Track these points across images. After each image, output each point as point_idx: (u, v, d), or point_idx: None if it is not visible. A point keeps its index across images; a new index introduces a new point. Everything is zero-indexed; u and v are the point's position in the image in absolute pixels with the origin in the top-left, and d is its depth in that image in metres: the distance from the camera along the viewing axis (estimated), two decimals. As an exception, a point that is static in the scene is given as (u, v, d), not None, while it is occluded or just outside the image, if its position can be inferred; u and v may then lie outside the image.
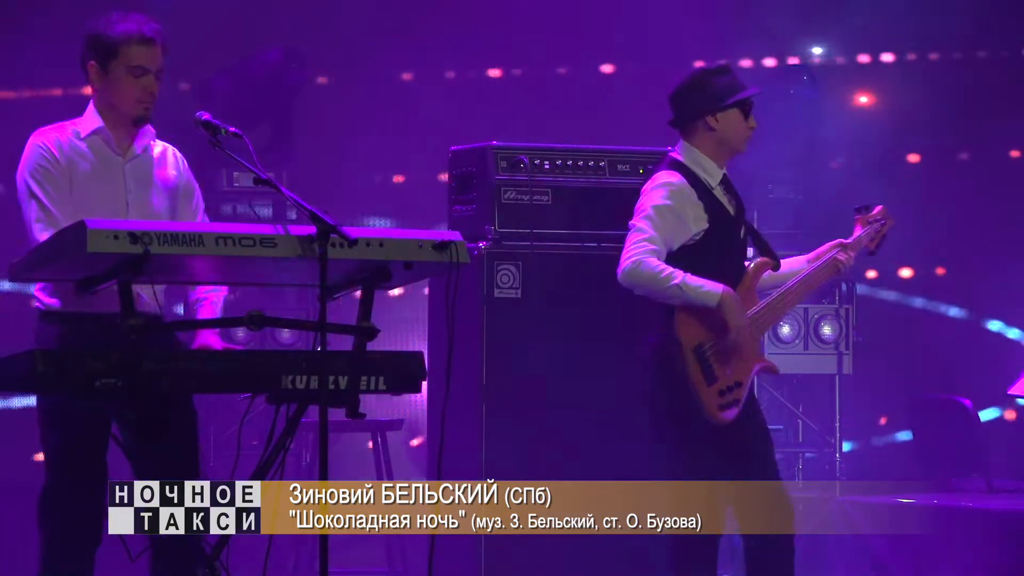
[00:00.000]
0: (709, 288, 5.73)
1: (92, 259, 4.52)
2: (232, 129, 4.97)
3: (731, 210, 5.93)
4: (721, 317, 5.73)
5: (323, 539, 4.62)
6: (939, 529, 7.88)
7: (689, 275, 5.74)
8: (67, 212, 5.14)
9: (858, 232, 6.16)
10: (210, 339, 5.30)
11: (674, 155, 5.95)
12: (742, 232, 5.97)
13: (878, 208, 6.20)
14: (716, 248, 5.86)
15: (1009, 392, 8.12)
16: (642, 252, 5.77)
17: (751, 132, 5.95)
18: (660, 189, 5.87)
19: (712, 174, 5.91)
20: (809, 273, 6.04)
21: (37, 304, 5.28)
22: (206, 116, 4.99)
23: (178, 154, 5.48)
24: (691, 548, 5.85)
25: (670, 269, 5.74)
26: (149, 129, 5.40)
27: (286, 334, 8.49)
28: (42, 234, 5.06)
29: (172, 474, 5.21)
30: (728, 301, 5.74)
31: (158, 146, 5.43)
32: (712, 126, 5.88)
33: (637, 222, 5.83)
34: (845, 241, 6.08)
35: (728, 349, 5.75)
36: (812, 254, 6.11)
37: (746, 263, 6.00)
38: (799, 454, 9.00)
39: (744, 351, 5.80)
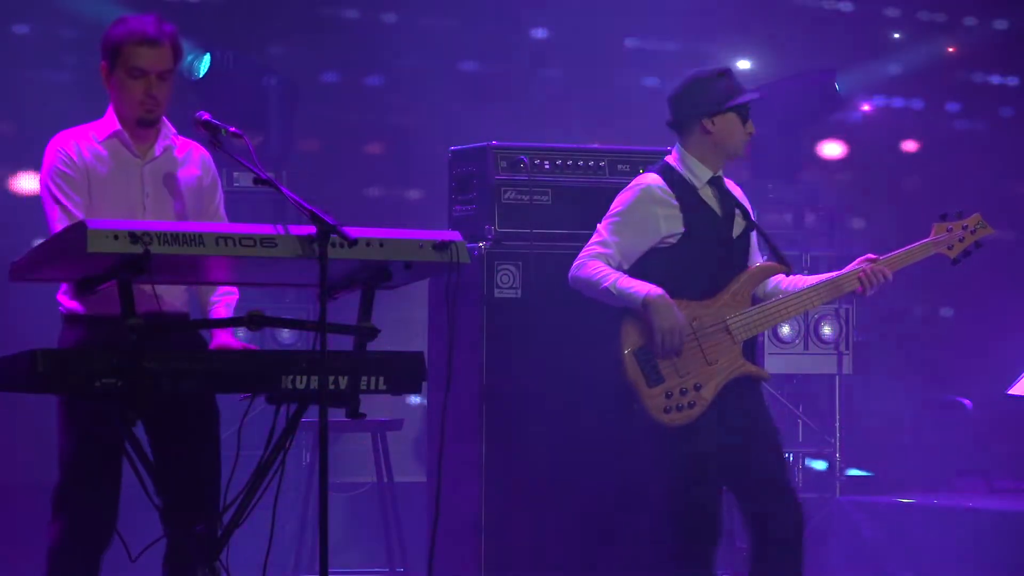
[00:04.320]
0: (635, 291, 5.73)
1: (92, 259, 4.51)
2: (232, 129, 4.97)
3: (718, 211, 5.91)
4: (649, 319, 5.73)
5: (323, 539, 4.62)
6: (939, 529, 7.89)
7: (623, 277, 5.76)
8: (89, 215, 5.14)
9: (922, 241, 6.10)
10: (227, 339, 5.29)
11: (667, 157, 5.97)
12: (735, 233, 5.95)
13: (972, 216, 6.16)
14: (696, 249, 5.85)
15: (1009, 392, 8.13)
16: (587, 255, 5.84)
17: (749, 136, 5.95)
18: (628, 192, 5.91)
19: (699, 176, 5.90)
20: (812, 287, 5.98)
21: (60, 308, 5.28)
22: (206, 116, 4.98)
23: (206, 153, 5.43)
24: (689, 546, 5.85)
25: (605, 271, 5.78)
26: (169, 130, 5.37)
27: (286, 334, 8.49)
28: None
29: (194, 475, 5.21)
30: (653, 303, 5.72)
31: (182, 147, 5.39)
32: (709, 129, 5.88)
33: (599, 225, 5.89)
34: (873, 256, 6.02)
35: (666, 351, 5.74)
36: (844, 270, 6.05)
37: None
38: (799, 454, 9.00)
39: (707, 352, 5.78)
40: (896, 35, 10.27)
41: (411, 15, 9.64)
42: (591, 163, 7.09)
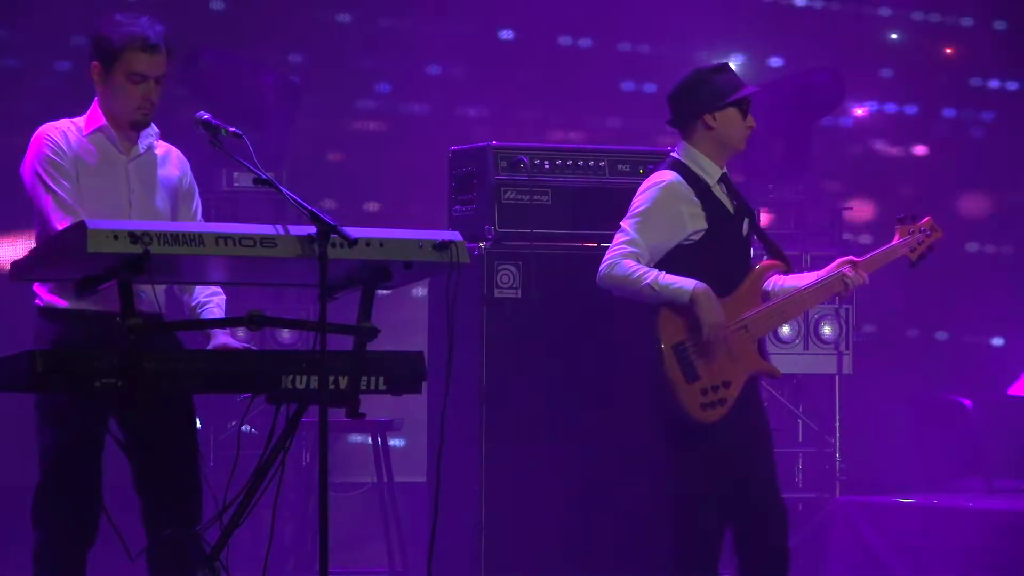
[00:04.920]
0: (680, 285, 5.72)
1: (92, 259, 4.52)
2: (232, 129, 4.97)
3: (731, 209, 5.92)
4: (696, 314, 5.73)
5: (323, 539, 4.62)
6: (939, 529, 7.88)
7: (663, 274, 5.75)
8: (79, 203, 5.15)
9: (890, 244, 6.15)
10: (227, 339, 5.29)
11: (674, 155, 5.96)
12: (744, 231, 5.96)
13: (925, 219, 6.18)
14: (716, 247, 5.86)
15: (1009, 392, 8.12)
16: (618, 255, 5.80)
17: (750, 131, 5.95)
18: (652, 189, 5.88)
19: (711, 173, 5.90)
20: (810, 286, 6.00)
21: (37, 301, 5.28)
22: (206, 116, 4.99)
23: (182, 156, 5.46)
24: (693, 548, 5.84)
25: (644, 269, 5.75)
26: (152, 129, 5.39)
27: (286, 334, 8.49)
28: (62, 223, 5.05)
29: (171, 475, 5.23)
30: (701, 297, 5.72)
31: (161, 147, 5.43)
32: (710, 125, 5.88)
33: (624, 223, 5.87)
34: (855, 259, 6.04)
35: (707, 347, 5.74)
36: (823, 271, 6.08)
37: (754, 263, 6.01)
38: (799, 454, 8.99)
39: (731, 350, 5.79)
40: (894, 35, 10.25)
41: (371, 16, 9.54)
42: (591, 163, 7.09)
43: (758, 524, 5.85)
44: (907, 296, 9.44)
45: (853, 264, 6.02)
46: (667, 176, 5.89)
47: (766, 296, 5.97)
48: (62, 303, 5.21)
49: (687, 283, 5.72)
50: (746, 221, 5.97)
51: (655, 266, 5.82)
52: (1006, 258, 10.12)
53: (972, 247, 10.08)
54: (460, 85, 9.66)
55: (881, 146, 10.30)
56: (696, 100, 5.89)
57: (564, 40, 9.82)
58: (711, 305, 5.72)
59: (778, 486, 5.92)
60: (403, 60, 9.52)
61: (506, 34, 9.77)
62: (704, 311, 5.71)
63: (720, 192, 5.91)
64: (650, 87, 9.76)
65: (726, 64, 5.99)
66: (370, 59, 9.46)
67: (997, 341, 9.98)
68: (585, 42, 9.83)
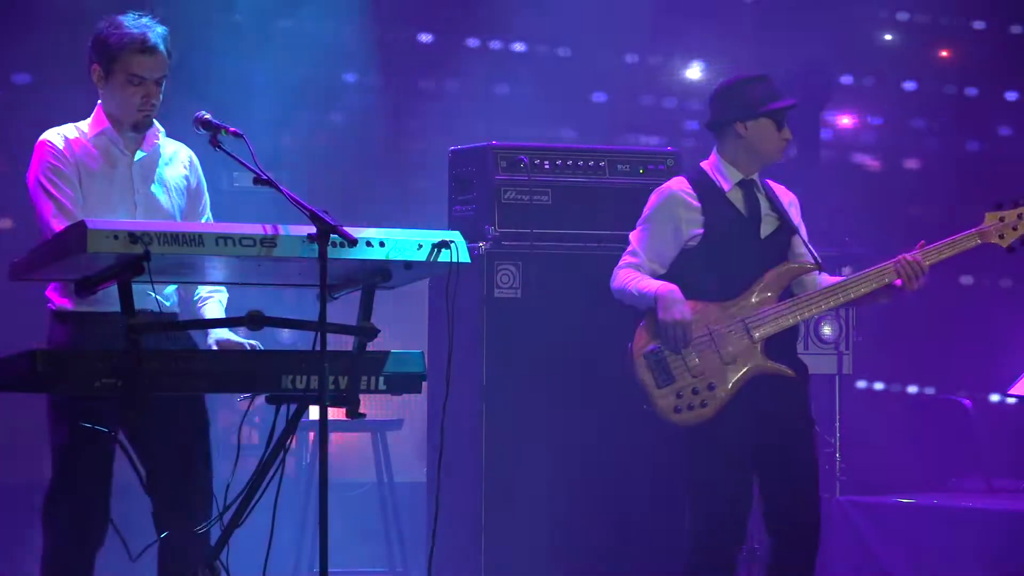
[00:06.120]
0: (646, 290, 5.78)
1: (92, 259, 4.52)
2: (232, 129, 4.96)
3: (744, 213, 5.93)
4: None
5: (323, 539, 4.62)
6: (939, 529, 7.88)
7: (643, 280, 5.81)
8: (80, 208, 5.16)
9: (971, 229, 5.98)
10: (225, 336, 5.30)
11: (704, 161, 6.03)
12: (763, 234, 5.95)
13: None
14: (718, 250, 5.87)
15: (1009, 392, 8.12)
16: (620, 265, 5.95)
17: (785, 143, 5.95)
18: (653, 197, 6.02)
19: (729, 179, 5.94)
20: (845, 281, 5.94)
21: (49, 305, 5.28)
22: (206, 115, 4.98)
23: (192, 155, 5.47)
24: (704, 553, 5.83)
25: (631, 277, 5.87)
26: (156, 128, 5.39)
27: (286, 334, 8.48)
28: (61, 228, 5.05)
29: (182, 475, 5.22)
30: (662, 298, 5.75)
31: (169, 145, 5.43)
32: (741, 133, 5.92)
33: (630, 234, 6.00)
34: (909, 255, 5.91)
35: (670, 344, 5.74)
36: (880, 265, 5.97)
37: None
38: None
39: (723, 352, 5.78)
40: (887, 36, 10.23)
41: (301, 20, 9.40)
42: (591, 163, 7.09)
43: (785, 524, 5.83)
44: (903, 347, 9.42)
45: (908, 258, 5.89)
46: (670, 184, 6.03)
47: (789, 296, 5.96)
48: (71, 306, 5.22)
49: (652, 286, 5.78)
50: (768, 224, 5.96)
51: (668, 269, 5.88)
52: (1004, 292, 9.99)
53: (967, 280, 9.94)
54: (379, 93, 9.56)
55: (865, 160, 10.27)
56: (730, 108, 5.95)
57: (494, 44, 9.74)
58: (669, 304, 5.75)
59: (811, 488, 5.87)
60: (326, 68, 9.39)
61: (425, 37, 9.64)
62: (662, 310, 5.73)
63: (736, 197, 5.94)
64: (600, 96, 9.72)
65: (766, 75, 6.02)
66: (293, 66, 9.28)
67: (994, 397, 9.88)
68: (520, 46, 9.75)
